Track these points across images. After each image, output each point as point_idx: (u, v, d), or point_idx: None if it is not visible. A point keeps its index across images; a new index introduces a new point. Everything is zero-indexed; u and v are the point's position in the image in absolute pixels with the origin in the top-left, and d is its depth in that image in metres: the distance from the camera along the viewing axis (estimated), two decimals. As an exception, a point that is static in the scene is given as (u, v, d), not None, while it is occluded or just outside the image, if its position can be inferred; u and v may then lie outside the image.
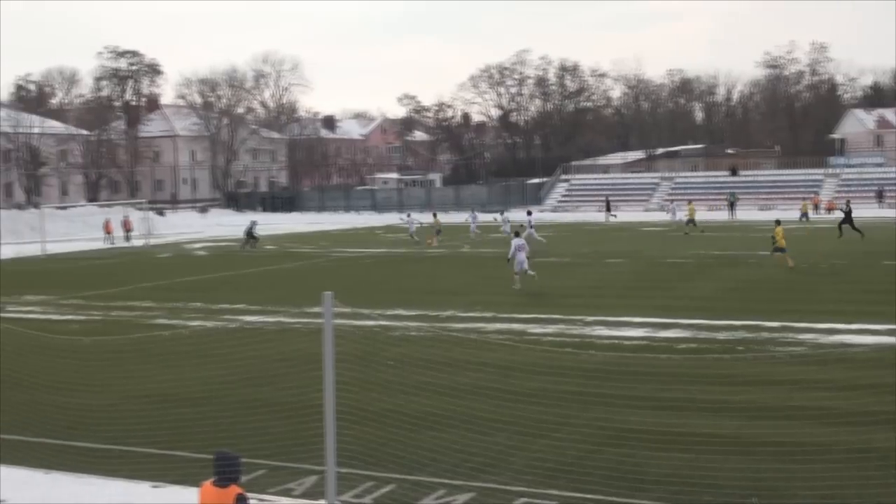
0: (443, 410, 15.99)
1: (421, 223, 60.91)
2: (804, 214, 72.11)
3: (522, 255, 33.65)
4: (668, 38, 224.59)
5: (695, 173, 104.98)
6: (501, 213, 63.51)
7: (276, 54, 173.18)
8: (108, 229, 67.92)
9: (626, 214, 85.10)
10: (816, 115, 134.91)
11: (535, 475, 13.12)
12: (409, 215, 62.90)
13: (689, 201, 67.13)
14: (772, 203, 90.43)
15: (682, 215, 64.29)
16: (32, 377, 18.92)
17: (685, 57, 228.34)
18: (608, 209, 79.53)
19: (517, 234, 35.33)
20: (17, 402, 17.78)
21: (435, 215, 63.13)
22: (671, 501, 11.97)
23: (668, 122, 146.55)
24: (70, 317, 30.09)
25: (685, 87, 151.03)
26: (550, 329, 25.08)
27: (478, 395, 16.79)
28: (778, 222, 40.47)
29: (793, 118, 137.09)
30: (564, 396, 16.63)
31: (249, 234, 57.67)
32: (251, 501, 8.76)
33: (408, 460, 13.65)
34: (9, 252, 58.57)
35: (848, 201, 57.98)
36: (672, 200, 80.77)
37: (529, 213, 53.68)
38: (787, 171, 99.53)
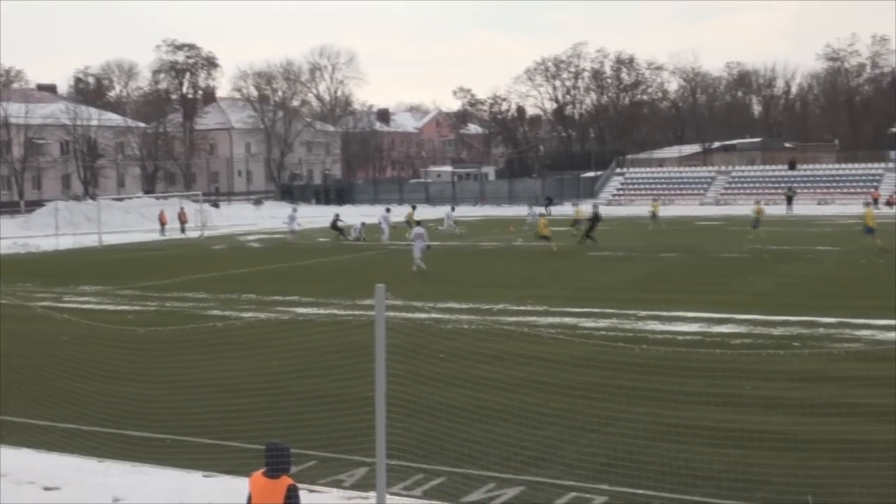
0: (493, 404, 15.98)
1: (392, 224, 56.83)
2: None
3: (421, 244, 37.78)
4: (726, 31, 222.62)
5: (752, 167, 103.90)
6: (453, 209, 62.75)
7: (332, 47, 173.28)
8: (162, 220, 68.54)
9: (681, 208, 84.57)
10: (877, 108, 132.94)
11: (586, 469, 13.07)
12: (388, 210, 59.09)
13: (757, 202, 63.95)
14: (831, 197, 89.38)
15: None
16: (89, 367, 19.17)
17: (743, 49, 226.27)
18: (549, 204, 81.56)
19: (419, 223, 40.17)
20: (74, 391, 18.01)
21: (414, 207, 63.40)
22: (724, 498, 11.87)
23: (724, 115, 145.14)
24: (125, 307, 30.44)
25: (743, 80, 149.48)
26: (603, 323, 24.98)
27: (529, 389, 16.77)
28: (867, 204, 42.37)
29: (852, 111, 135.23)
30: (616, 391, 16.56)
31: (335, 226, 58.09)
32: (301, 492, 8.80)
33: (458, 453, 13.65)
34: (67, 242, 59.37)
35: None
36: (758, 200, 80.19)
37: (452, 209, 53.52)
38: (846, 166, 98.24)
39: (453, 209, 62.10)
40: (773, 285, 31.86)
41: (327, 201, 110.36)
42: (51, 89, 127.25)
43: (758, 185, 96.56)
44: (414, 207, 62.49)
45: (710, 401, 15.75)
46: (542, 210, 60.12)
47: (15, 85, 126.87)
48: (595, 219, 50.74)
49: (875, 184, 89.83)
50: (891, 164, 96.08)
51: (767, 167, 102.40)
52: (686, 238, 51.76)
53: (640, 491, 12.18)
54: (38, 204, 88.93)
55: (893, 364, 18.31)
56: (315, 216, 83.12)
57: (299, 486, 8.88)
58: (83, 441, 15.07)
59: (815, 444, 13.62)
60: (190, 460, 13.95)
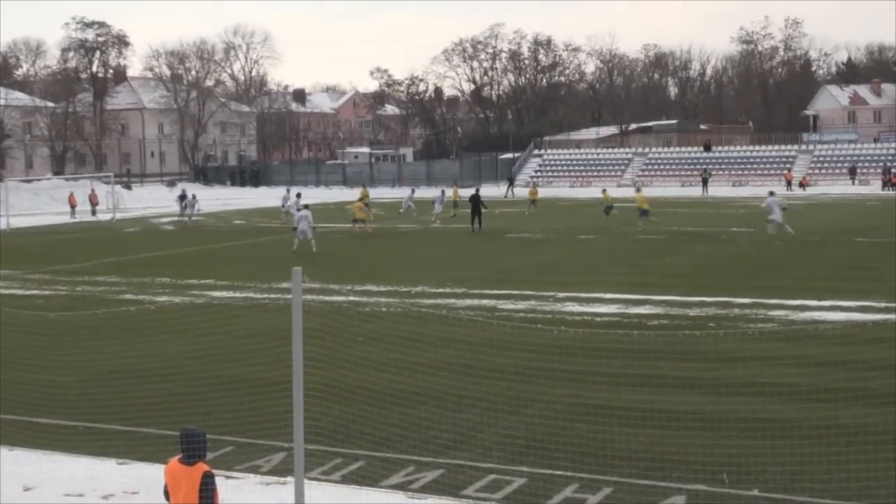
0: (412, 387, 16.00)
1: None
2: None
3: (304, 225, 39.52)
4: (643, 12, 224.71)
5: (668, 149, 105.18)
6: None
7: (247, 26, 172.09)
8: (72, 203, 67.41)
9: (598, 191, 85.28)
10: (790, 91, 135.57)
11: (505, 451, 13.16)
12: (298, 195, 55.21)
13: (638, 189, 62.71)
14: (745, 179, 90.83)
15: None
16: (-4, 353, 18.78)
17: (660, 32, 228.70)
18: (510, 185, 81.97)
19: (306, 207, 41.87)
20: (-19, 378, 17.65)
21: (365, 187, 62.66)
22: (641, 478, 12.03)
23: (641, 97, 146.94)
24: (34, 292, 29.88)
25: (659, 63, 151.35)
26: (522, 305, 25.13)
27: (447, 372, 16.81)
28: (638, 189, 45.50)
29: (766, 94, 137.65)
30: (535, 373, 16.67)
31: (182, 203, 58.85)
32: (217, 479, 8.74)
33: (376, 437, 13.65)
34: (-28, 226, 58.09)
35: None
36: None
37: (299, 195, 52.21)
38: (760, 148, 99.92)
39: (413, 191, 61.27)
40: (689, 266, 32.30)
41: (242, 183, 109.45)
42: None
43: (674, 166, 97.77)
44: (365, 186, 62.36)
45: (628, 381, 15.93)
46: (410, 201, 58.65)
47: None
48: (475, 200, 47.80)
49: (788, 166, 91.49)
50: (804, 147, 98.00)
51: (683, 149, 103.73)
52: (602, 220, 52.20)
53: (559, 472, 12.28)
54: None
55: (806, 344, 18.69)
56: (231, 198, 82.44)
57: (216, 472, 8.81)
58: (-8, 429, 14.78)
59: (730, 423, 13.87)
60: (103, 447, 13.76)
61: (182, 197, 59.43)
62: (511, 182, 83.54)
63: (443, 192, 57.91)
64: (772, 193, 42.65)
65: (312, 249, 38.67)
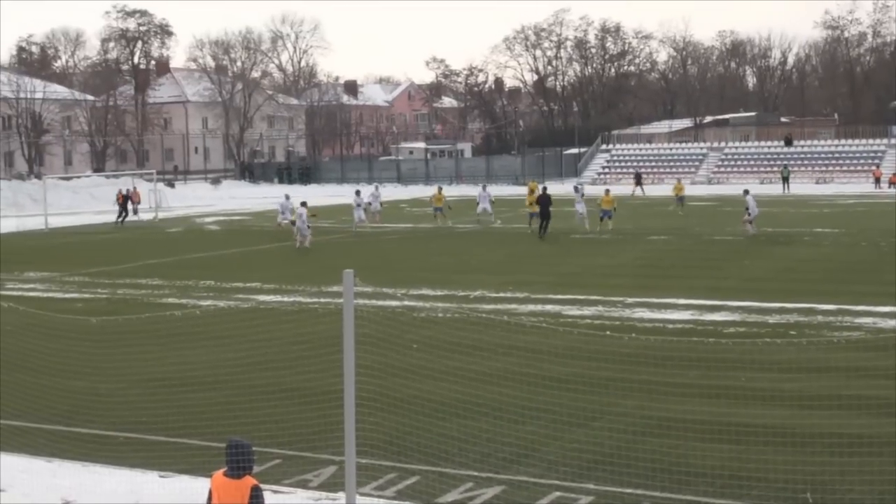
0: (471, 397, 16.00)
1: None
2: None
3: (300, 222, 42.36)
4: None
5: (746, 143, 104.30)
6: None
7: (295, 14, 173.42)
8: (119, 200, 67.88)
9: (671, 188, 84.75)
10: (879, 80, 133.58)
11: (571, 467, 13.12)
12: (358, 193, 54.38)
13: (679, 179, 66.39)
14: (829, 176, 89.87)
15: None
16: (35, 359, 19.07)
17: (737, 18, 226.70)
18: (638, 183, 79.83)
19: (303, 204, 43.42)
20: (19, 385, 17.91)
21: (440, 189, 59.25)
22: (718, 496, 11.95)
23: (717, 88, 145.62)
24: (74, 295, 30.29)
25: (736, 51, 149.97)
26: (588, 311, 25.05)
27: (509, 381, 16.80)
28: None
29: (853, 84, 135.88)
30: (603, 383, 16.61)
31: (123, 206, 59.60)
32: (265, 493, 8.80)
33: (433, 450, 13.67)
34: (10, 225, 58.95)
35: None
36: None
37: (287, 197, 51.39)
38: (846, 142, 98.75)
39: (484, 188, 56.22)
40: (769, 270, 32.01)
41: (291, 180, 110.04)
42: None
43: (752, 162, 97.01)
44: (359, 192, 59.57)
45: (703, 393, 15.82)
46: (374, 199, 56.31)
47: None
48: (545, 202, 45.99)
49: (876, 161, 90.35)
50: (894, 141, 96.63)
51: (762, 143, 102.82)
52: (676, 220, 51.90)
53: (629, 490, 12.23)
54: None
55: (895, 353, 18.46)
56: (278, 197, 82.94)
57: (263, 486, 8.87)
58: (30, 439, 15.00)
59: (813, 438, 13.72)
60: (145, 459, 13.91)
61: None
62: (639, 179, 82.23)
63: (483, 187, 56.85)
64: (746, 192, 43.58)
65: (306, 245, 41.91)
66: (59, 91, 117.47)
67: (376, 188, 58.59)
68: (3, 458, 14.27)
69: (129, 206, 61.19)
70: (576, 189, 46.67)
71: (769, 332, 21.50)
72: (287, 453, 13.88)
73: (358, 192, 52.55)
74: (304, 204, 43.50)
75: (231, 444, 8.65)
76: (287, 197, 51.97)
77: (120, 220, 59.68)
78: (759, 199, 53.62)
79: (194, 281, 32.60)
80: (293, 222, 44.45)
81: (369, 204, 54.21)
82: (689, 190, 78.94)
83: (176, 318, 23.60)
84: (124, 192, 68.26)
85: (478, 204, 53.65)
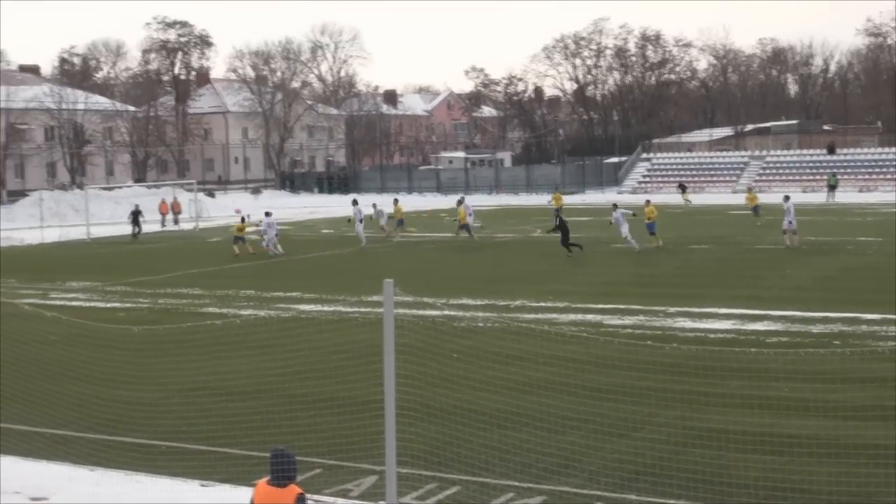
0: (512, 407, 16.00)
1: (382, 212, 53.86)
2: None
3: (272, 233, 44.52)
4: (758, 5, 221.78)
5: (788, 152, 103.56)
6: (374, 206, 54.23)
7: (334, 24, 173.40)
8: (162, 210, 68.35)
9: (712, 196, 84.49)
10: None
11: (612, 478, 13.09)
12: (374, 206, 54.71)
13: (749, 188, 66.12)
14: (873, 184, 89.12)
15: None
16: (78, 368, 19.24)
17: (778, 25, 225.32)
18: (683, 191, 79.54)
19: (267, 214, 45.61)
20: (62, 394, 18.09)
21: (396, 201, 56.90)
22: (760, 508, 11.88)
23: (758, 96, 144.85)
24: (115, 304, 30.55)
25: (777, 58, 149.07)
26: (629, 321, 24.98)
27: (550, 391, 16.78)
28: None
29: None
30: (644, 393, 16.56)
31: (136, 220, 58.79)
32: (308, 502, 8.85)
33: (474, 460, 13.68)
34: (53, 235, 59.54)
35: None
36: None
37: (268, 214, 49.90)
38: (890, 150, 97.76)
39: (268, 214, 48.86)
40: (812, 279, 31.80)
41: (331, 190, 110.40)
42: (34, 70, 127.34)
43: (794, 170, 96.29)
44: (396, 201, 57.17)
45: (745, 403, 15.74)
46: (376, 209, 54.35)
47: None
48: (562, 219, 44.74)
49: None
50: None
51: (805, 151, 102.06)
52: (717, 228, 51.64)
53: (671, 501, 12.19)
54: (21, 194, 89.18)
55: (942, 364, 18.27)
56: (318, 206, 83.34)
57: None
58: (73, 448, 15.14)
59: (857, 449, 13.61)
60: (186, 468, 14.00)
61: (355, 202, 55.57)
62: (683, 188, 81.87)
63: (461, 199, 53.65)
64: (787, 198, 42.69)
65: (278, 251, 43.97)
66: (100, 102, 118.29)
67: (374, 207, 54.95)
68: (47, 466, 14.41)
69: (141, 220, 59.83)
70: (615, 207, 44.05)
71: (812, 342, 21.36)
72: (327, 463, 13.92)
73: (355, 202, 51.04)
74: (268, 213, 45.52)
75: (275, 453, 8.72)
76: (355, 202, 51.08)
77: (135, 233, 58.38)
78: (801, 208, 53.26)
79: (234, 290, 32.78)
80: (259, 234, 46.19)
81: (372, 217, 52.87)
82: (730, 199, 78.71)
83: (217, 327, 23.75)
84: (169, 202, 68.84)
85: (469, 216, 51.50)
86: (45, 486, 13.53)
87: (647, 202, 46.07)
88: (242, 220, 47.71)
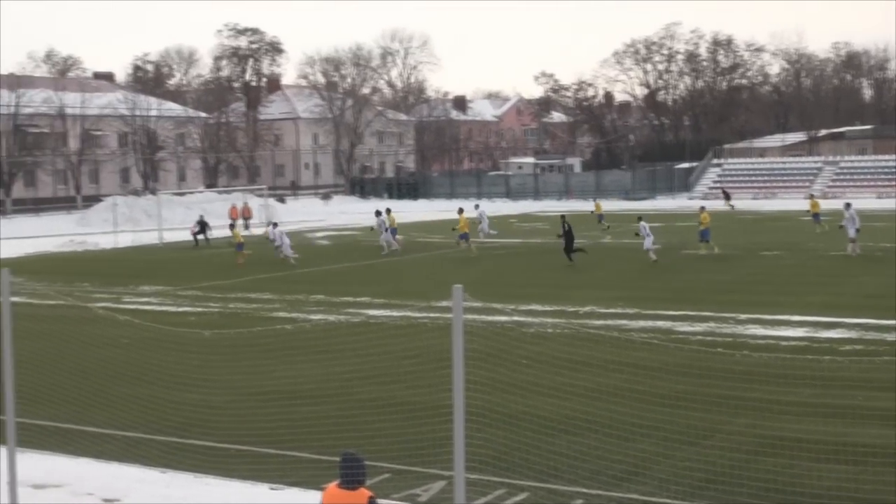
0: (581, 414, 15.93)
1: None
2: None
3: (286, 241, 45.49)
4: (832, 9, 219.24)
5: (862, 157, 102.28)
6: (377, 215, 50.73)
7: (404, 30, 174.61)
8: (232, 215, 68.90)
9: (785, 202, 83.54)
10: None
11: (682, 486, 12.98)
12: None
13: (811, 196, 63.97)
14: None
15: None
16: (150, 372, 19.46)
17: (852, 29, 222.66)
18: (727, 198, 78.80)
19: (275, 224, 47.49)
20: (134, 397, 18.31)
21: (388, 211, 52.30)
22: (833, 518, 11.73)
23: (831, 100, 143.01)
24: (186, 308, 30.87)
25: (852, 62, 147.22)
26: (700, 327, 24.79)
27: (619, 398, 16.68)
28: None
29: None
30: (714, 401, 16.41)
31: (202, 231, 58.63)
32: (378, 505, 8.88)
33: (542, 467, 13.64)
34: (126, 240, 60.38)
35: None
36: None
37: (275, 225, 48.70)
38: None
39: (275, 224, 50.35)
40: (887, 286, 31.30)
41: (400, 195, 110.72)
42: (108, 78, 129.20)
43: (869, 176, 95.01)
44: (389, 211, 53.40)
45: (818, 412, 15.53)
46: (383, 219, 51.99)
47: (71, 74, 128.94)
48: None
49: None
50: None
51: (880, 157, 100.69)
52: (790, 235, 51.07)
53: (742, 509, 12.06)
54: (95, 199, 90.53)
55: None
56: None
57: (372, 500, 8.93)
58: (144, 450, 15.31)
59: (934, 460, 13.39)
60: (256, 471, 14.11)
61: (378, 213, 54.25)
62: (727, 195, 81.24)
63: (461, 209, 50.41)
64: (848, 206, 41.90)
65: (291, 261, 43.92)
66: (173, 108, 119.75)
67: (378, 215, 51.57)
68: (118, 468, 14.59)
69: (208, 231, 59.68)
70: (639, 219, 42.62)
71: (887, 350, 21.07)
72: (396, 467, 13.95)
73: (378, 213, 50.19)
74: (275, 224, 47.14)
75: (346, 457, 8.77)
76: (378, 213, 50.20)
77: (198, 242, 58.10)
78: (876, 214, 52.57)
79: (304, 295, 32.99)
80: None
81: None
82: (804, 205, 77.79)
83: (287, 331, 23.88)
84: (239, 207, 69.39)
85: (479, 223, 51.38)
86: (117, 488, 13.70)
87: (702, 209, 45.13)
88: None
